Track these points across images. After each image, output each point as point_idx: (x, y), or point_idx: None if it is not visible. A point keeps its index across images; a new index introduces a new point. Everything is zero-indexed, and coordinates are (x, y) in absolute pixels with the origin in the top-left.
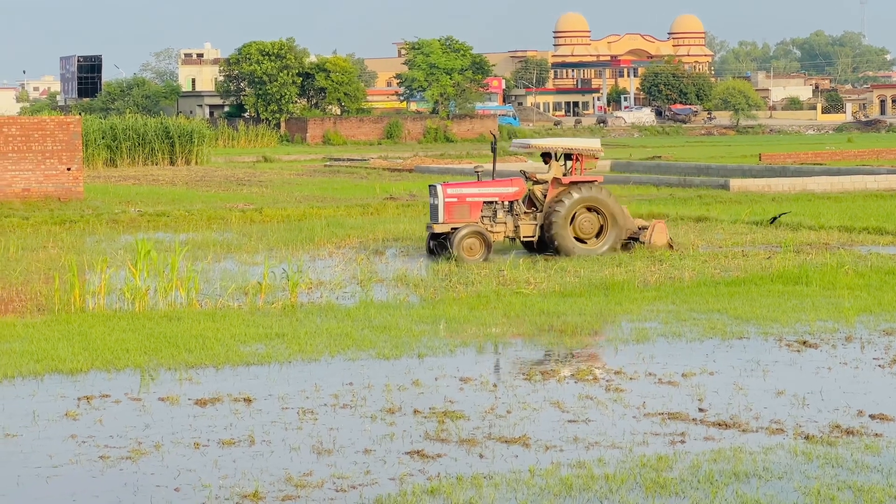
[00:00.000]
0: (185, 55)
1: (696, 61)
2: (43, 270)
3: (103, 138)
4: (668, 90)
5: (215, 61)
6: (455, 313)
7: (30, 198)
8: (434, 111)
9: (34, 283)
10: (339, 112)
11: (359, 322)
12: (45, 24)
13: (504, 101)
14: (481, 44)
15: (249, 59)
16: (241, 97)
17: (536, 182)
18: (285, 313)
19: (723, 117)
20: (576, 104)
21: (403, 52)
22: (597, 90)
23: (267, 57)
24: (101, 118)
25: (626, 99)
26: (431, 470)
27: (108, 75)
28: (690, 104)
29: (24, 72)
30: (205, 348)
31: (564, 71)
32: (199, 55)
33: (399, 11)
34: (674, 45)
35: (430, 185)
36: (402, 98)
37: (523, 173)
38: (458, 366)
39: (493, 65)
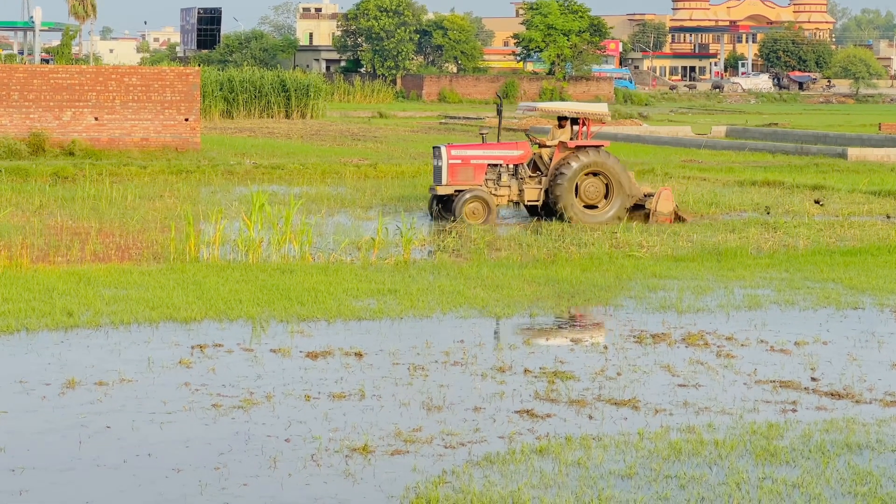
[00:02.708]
0: (304, 9)
1: (816, 28)
2: (159, 219)
3: (220, 90)
4: (787, 57)
5: (333, 16)
6: (567, 274)
7: (148, 147)
8: (550, 72)
9: (150, 232)
10: (455, 70)
11: (471, 280)
12: None
13: (621, 64)
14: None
15: (367, 14)
16: (358, 52)
17: (542, 146)
18: (398, 269)
19: (842, 85)
20: (693, 69)
21: (521, 12)
22: (714, 55)
23: (385, 13)
24: (218, 70)
25: (743, 65)
26: (540, 429)
27: (227, 28)
28: (809, 72)
29: (145, 23)
30: (317, 302)
31: (682, 35)
32: (318, 10)
33: None
34: (794, 12)
35: (433, 147)
36: (518, 58)
37: (528, 136)
38: (570, 326)
39: (611, 27)
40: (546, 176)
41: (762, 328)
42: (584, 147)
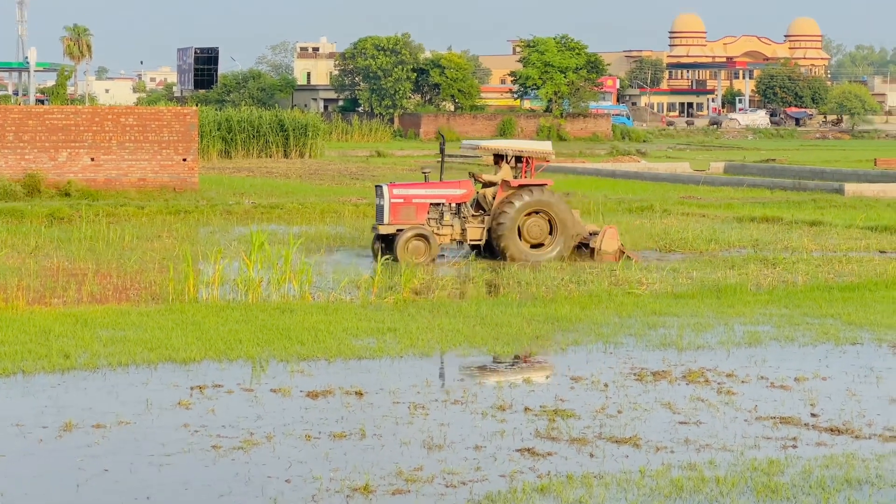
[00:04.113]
0: (301, 49)
1: (812, 64)
2: (158, 260)
3: (218, 130)
4: (784, 93)
5: (331, 55)
6: (566, 312)
7: (146, 187)
8: (548, 109)
9: (149, 272)
10: (452, 108)
11: (470, 319)
12: (163, 16)
13: (618, 100)
14: (596, 43)
15: (364, 53)
16: (356, 91)
17: (485, 185)
18: (397, 308)
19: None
20: (690, 105)
21: (518, 49)
22: (711, 91)
23: (382, 52)
24: (216, 110)
25: (740, 101)
26: (542, 468)
27: (225, 67)
28: (806, 108)
29: (141, 62)
30: (317, 341)
31: (679, 71)
32: (315, 49)
33: (514, 9)
34: (790, 48)
35: (376, 186)
36: (516, 96)
37: (471, 175)
38: (569, 364)
39: (608, 64)
40: (489, 215)
41: (762, 364)
42: (528, 186)
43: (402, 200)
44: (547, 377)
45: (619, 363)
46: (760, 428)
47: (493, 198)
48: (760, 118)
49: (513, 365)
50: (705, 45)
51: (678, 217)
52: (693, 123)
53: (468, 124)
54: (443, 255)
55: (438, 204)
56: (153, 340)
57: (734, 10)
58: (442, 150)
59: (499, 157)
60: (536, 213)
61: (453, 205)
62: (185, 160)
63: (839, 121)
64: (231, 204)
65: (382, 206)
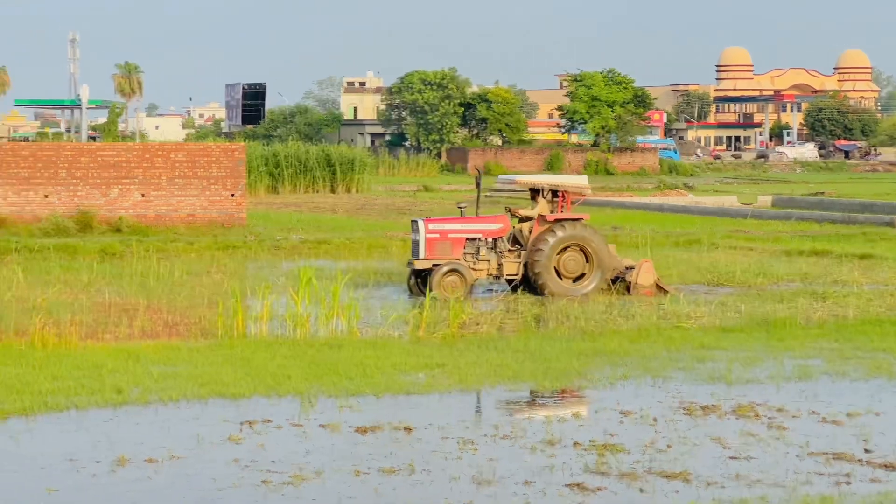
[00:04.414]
0: (348, 83)
1: (861, 97)
2: (207, 295)
3: (266, 165)
4: (833, 126)
5: (377, 90)
6: (615, 346)
7: (194, 223)
8: (595, 144)
9: (198, 308)
10: (500, 143)
11: (519, 353)
12: (211, 53)
13: (665, 134)
14: (643, 77)
15: (411, 88)
16: (403, 126)
17: (522, 219)
18: (446, 343)
19: (888, 153)
20: (737, 139)
21: (565, 83)
22: (759, 125)
23: (429, 86)
24: (263, 145)
25: (788, 134)
26: (591, 503)
27: (272, 103)
28: (855, 140)
29: (190, 99)
30: (365, 376)
31: (726, 105)
32: (362, 84)
33: (561, 43)
34: (839, 80)
35: (412, 220)
36: (563, 130)
37: (508, 210)
38: (619, 399)
39: (655, 98)
40: (525, 250)
41: (813, 399)
42: (564, 220)
43: (437, 235)
44: (596, 411)
45: (668, 397)
46: (812, 464)
47: (530, 232)
48: (809, 151)
49: (561, 399)
50: (753, 79)
51: (726, 251)
52: (740, 157)
53: (515, 159)
54: (491, 290)
55: (475, 239)
56: (203, 376)
57: (782, 43)
58: (478, 185)
59: (535, 192)
60: (573, 247)
61: (490, 239)
62: (233, 196)
63: (868, 152)
64: (279, 239)
65: (418, 242)
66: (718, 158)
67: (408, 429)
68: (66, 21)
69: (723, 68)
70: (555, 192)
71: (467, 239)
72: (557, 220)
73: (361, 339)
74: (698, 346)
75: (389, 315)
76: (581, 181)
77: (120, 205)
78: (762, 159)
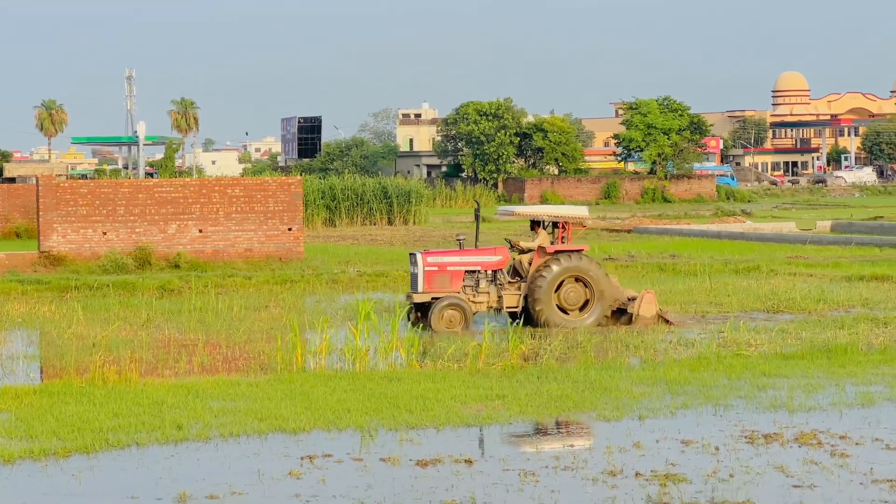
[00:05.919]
0: (403, 115)
1: None
2: (265, 329)
3: (322, 198)
4: (891, 149)
5: (433, 121)
6: (675, 375)
7: (252, 257)
8: (652, 171)
9: (257, 342)
10: (556, 172)
11: (579, 383)
12: (267, 87)
13: (722, 161)
14: (699, 103)
15: (467, 119)
16: (459, 157)
17: (522, 251)
18: (505, 374)
19: None
20: (794, 164)
21: (621, 112)
22: (816, 149)
23: (484, 117)
24: (320, 178)
25: (846, 158)
26: None
27: (328, 136)
28: None
29: (246, 133)
30: (425, 409)
31: (783, 130)
32: (417, 115)
33: (616, 72)
34: None
35: (410, 254)
36: (619, 158)
37: (508, 241)
38: (680, 428)
39: (711, 124)
40: (525, 281)
41: (876, 426)
42: (564, 252)
43: (436, 268)
44: (657, 441)
45: (729, 426)
46: (877, 491)
47: (530, 264)
48: (867, 175)
49: (622, 429)
50: (809, 104)
51: (785, 277)
52: (798, 182)
53: (572, 188)
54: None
55: (474, 271)
56: (263, 410)
57: (838, 67)
58: (477, 217)
59: (535, 223)
60: (574, 279)
61: (489, 272)
62: (290, 229)
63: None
64: (336, 273)
65: (416, 275)
66: (775, 184)
67: (468, 461)
68: (123, 58)
69: (779, 93)
70: (555, 224)
71: (466, 271)
72: (558, 252)
73: (421, 372)
74: (759, 373)
75: (448, 347)
76: (581, 211)
77: (178, 241)
78: (819, 184)
